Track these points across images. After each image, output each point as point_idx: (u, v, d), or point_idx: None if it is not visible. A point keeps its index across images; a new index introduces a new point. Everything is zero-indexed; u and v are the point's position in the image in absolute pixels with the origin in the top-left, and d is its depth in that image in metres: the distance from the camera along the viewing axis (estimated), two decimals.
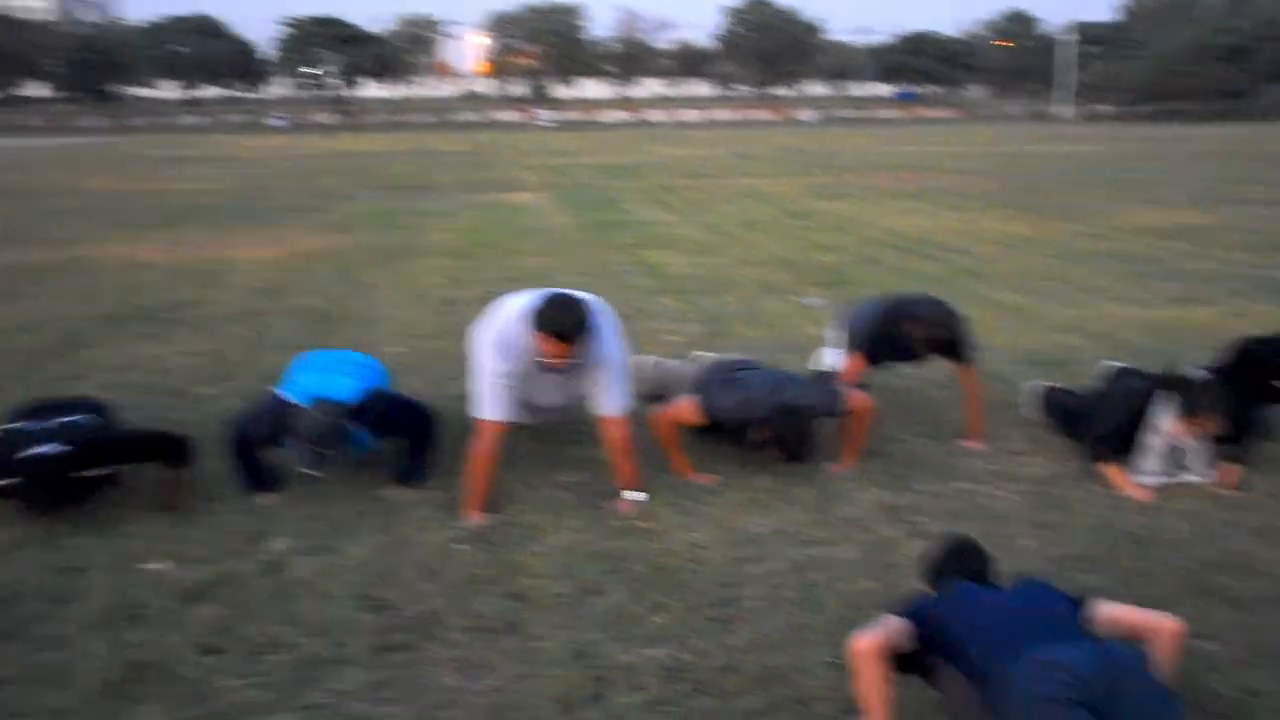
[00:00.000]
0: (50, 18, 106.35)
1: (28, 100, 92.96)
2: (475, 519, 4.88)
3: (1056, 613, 3.31)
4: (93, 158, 38.75)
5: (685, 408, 5.46)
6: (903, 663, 3.27)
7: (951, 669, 3.27)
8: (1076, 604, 3.40)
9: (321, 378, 5.30)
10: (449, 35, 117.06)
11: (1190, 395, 5.20)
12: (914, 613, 3.35)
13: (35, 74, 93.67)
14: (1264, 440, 5.60)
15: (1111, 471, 5.35)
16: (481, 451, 4.93)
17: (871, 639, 3.23)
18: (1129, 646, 3.12)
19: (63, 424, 4.98)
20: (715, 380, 5.60)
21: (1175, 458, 5.34)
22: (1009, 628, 3.20)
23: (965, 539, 3.86)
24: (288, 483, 5.25)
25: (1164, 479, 5.31)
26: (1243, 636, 3.85)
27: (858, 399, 5.57)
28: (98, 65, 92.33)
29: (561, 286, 5.22)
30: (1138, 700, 2.89)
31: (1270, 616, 4.01)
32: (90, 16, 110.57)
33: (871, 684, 3.22)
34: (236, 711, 3.44)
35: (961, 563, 3.67)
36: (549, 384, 5.13)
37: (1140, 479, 5.31)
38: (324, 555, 4.55)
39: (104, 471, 4.97)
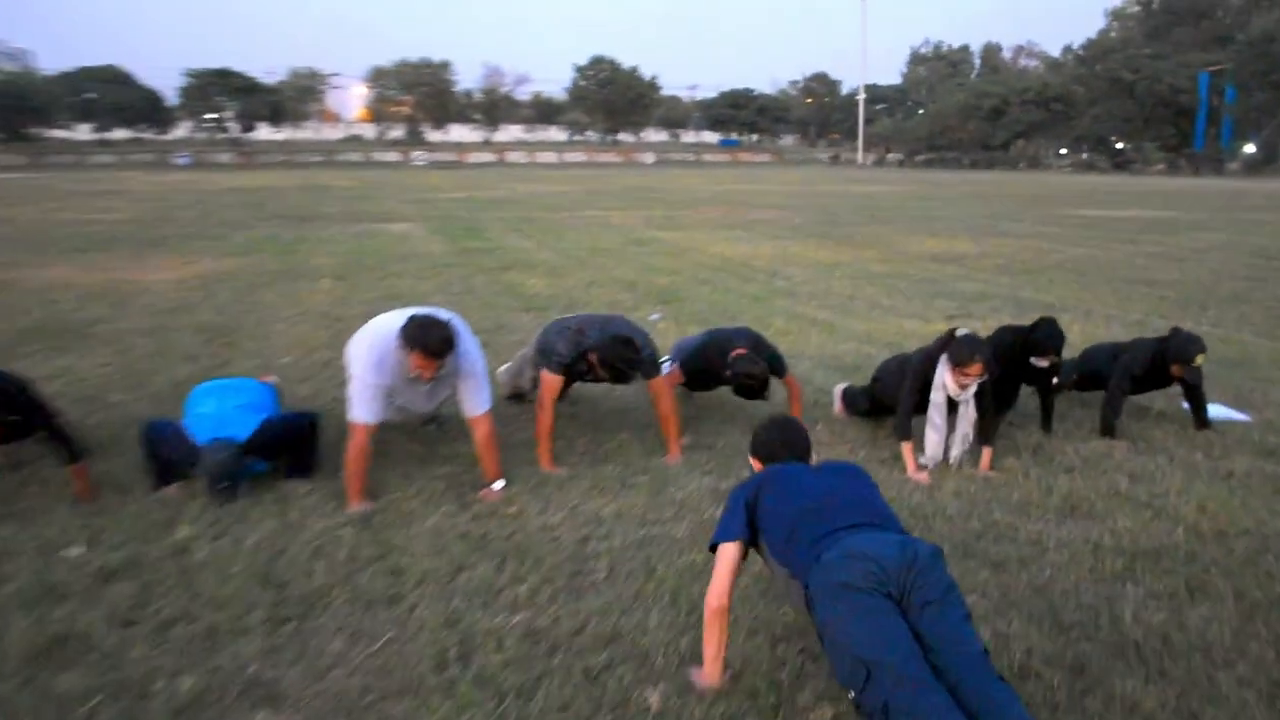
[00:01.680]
0: None
1: None
2: (358, 506, 4.82)
3: (868, 498, 3.34)
4: (13, 192, 36.98)
5: (545, 382, 5.51)
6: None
7: (765, 545, 3.33)
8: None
9: (218, 412, 5.15)
10: (334, 86, 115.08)
11: (957, 347, 5.40)
12: (737, 520, 3.37)
13: None
14: (1004, 419, 5.95)
15: (907, 450, 5.50)
16: (355, 447, 4.88)
17: (722, 600, 3.28)
18: (928, 545, 3.11)
19: None
20: (549, 338, 5.65)
21: (953, 418, 5.53)
22: (825, 512, 3.21)
23: (789, 420, 3.85)
24: (191, 480, 5.14)
25: (938, 455, 5.53)
26: (997, 591, 4.03)
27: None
28: (15, 109, 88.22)
29: (432, 305, 5.21)
30: (930, 593, 2.91)
31: (1018, 574, 4.20)
32: (8, 66, 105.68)
33: (715, 635, 3.32)
34: (148, 676, 3.36)
35: (786, 443, 3.68)
36: (418, 391, 5.12)
37: (924, 460, 5.51)
38: (225, 540, 4.45)
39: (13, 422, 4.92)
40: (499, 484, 5.07)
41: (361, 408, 4.90)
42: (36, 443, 5.14)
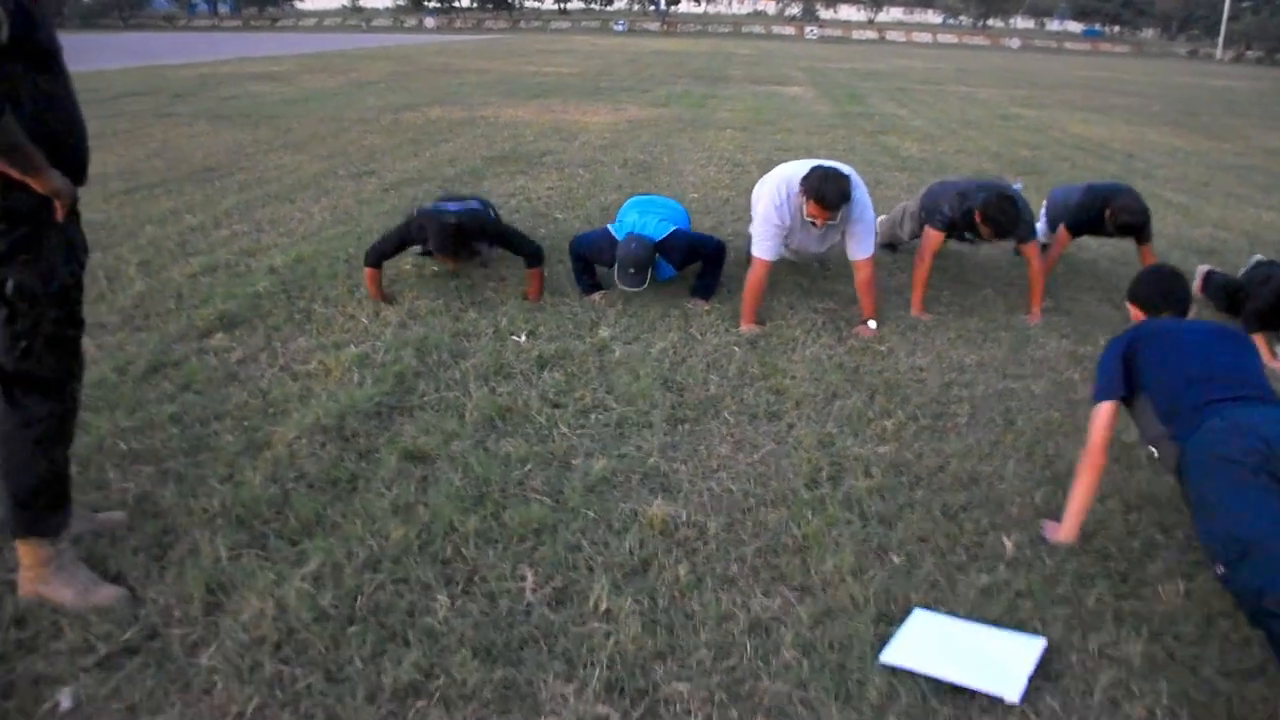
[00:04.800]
0: None
1: (459, 9, 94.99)
2: (749, 329, 4.57)
3: (1255, 371, 2.69)
4: (495, 49, 39.17)
5: (929, 236, 4.96)
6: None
7: (1145, 401, 2.75)
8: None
9: (639, 218, 5.01)
10: None
11: None
12: (1113, 375, 2.81)
13: None
14: None
15: (1259, 341, 4.61)
16: (754, 278, 4.61)
17: (1099, 453, 2.76)
18: None
19: (463, 208, 4.92)
20: (933, 199, 5.13)
21: None
22: (1209, 379, 2.62)
23: (1173, 272, 3.14)
24: (613, 289, 5.07)
25: None
26: None
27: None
28: None
29: (822, 158, 4.75)
30: None
31: None
32: None
33: (1084, 490, 2.81)
34: (568, 453, 3.31)
35: (1167, 295, 3.04)
36: (811, 235, 4.74)
37: None
38: (636, 344, 4.35)
39: (482, 244, 4.98)
40: (873, 323, 4.64)
41: (762, 244, 4.60)
42: (494, 248, 5.24)
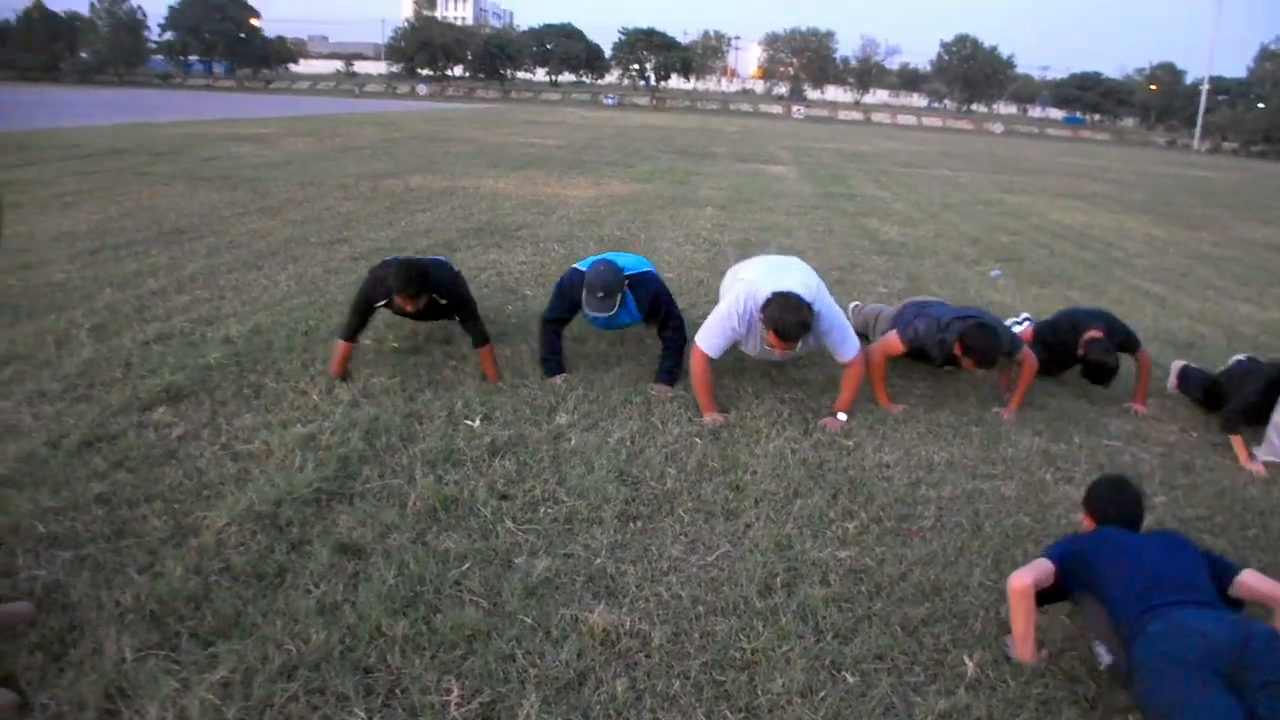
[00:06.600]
0: (469, 22, 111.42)
1: (451, 78, 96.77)
2: (712, 418, 4.44)
3: (1198, 577, 2.65)
4: (485, 118, 39.64)
5: (890, 341, 4.88)
6: (1042, 597, 2.78)
7: (1093, 600, 2.69)
8: (1220, 568, 2.75)
9: (609, 254, 4.98)
10: (734, 47, 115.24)
11: None
12: (1062, 554, 2.80)
13: (456, 60, 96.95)
14: None
15: (1237, 442, 4.55)
16: (696, 369, 4.48)
17: (1024, 579, 2.73)
18: (1264, 625, 2.47)
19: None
20: (910, 313, 5.02)
21: None
22: (1154, 584, 2.58)
23: (1126, 484, 3.08)
24: (575, 372, 4.96)
25: (1275, 460, 4.48)
26: None
27: (1027, 352, 4.89)
28: (495, 56, 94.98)
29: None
30: (1269, 674, 2.27)
31: None
32: (494, 22, 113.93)
33: (1020, 614, 2.74)
34: (511, 550, 3.15)
35: (1119, 506, 2.98)
36: (772, 354, 4.59)
37: (1260, 454, 4.50)
38: (594, 432, 4.21)
39: (443, 304, 4.77)
40: (842, 415, 4.54)
41: (709, 338, 4.48)
42: (454, 324, 5.10)
